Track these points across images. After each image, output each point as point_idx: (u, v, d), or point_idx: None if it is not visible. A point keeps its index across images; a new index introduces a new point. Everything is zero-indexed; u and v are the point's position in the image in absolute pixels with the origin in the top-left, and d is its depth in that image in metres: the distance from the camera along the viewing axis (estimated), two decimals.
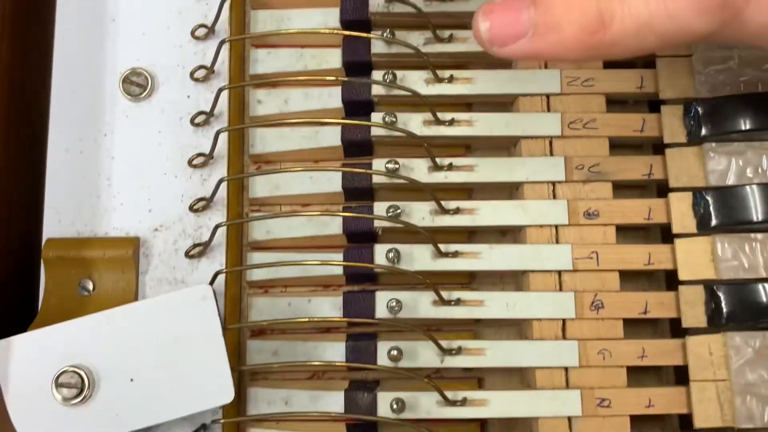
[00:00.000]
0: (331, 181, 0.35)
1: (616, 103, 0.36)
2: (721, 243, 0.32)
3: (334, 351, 0.34)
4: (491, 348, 0.33)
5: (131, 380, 0.28)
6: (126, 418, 0.28)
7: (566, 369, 0.33)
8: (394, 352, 0.33)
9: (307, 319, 0.33)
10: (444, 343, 0.32)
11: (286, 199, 0.36)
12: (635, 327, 0.34)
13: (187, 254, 0.33)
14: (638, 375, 0.34)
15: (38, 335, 0.28)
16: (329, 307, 0.34)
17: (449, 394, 0.32)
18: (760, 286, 0.32)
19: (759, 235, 0.32)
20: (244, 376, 0.34)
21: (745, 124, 0.33)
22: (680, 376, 0.33)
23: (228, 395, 0.28)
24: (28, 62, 0.38)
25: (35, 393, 0.28)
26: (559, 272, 0.33)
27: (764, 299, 0.32)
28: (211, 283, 0.30)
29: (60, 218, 0.34)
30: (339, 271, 0.34)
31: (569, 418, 0.32)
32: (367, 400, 0.32)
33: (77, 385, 0.27)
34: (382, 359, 0.33)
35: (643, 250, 0.34)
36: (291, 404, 0.33)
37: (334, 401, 0.33)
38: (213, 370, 0.29)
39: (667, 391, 0.33)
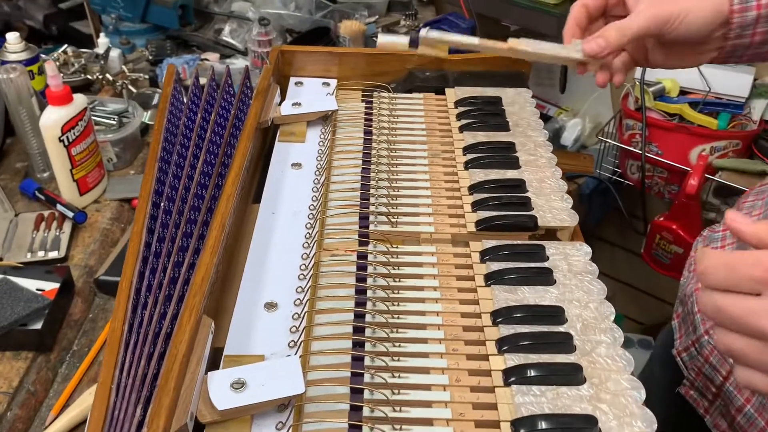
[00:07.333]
0: None
1: None
2: None
3: None
4: None
5: (263, 385, 0.63)
6: (252, 395, 0.62)
7: None
8: None
9: None
10: None
11: None
12: None
13: None
14: None
15: (220, 373, 0.65)
16: None
17: None
18: None
19: None
20: None
21: None
22: None
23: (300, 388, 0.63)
24: None
25: (222, 386, 0.62)
26: None
27: None
28: None
29: None
30: None
31: None
32: None
33: (240, 384, 0.62)
34: None
35: None
36: None
37: None
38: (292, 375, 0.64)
39: None
